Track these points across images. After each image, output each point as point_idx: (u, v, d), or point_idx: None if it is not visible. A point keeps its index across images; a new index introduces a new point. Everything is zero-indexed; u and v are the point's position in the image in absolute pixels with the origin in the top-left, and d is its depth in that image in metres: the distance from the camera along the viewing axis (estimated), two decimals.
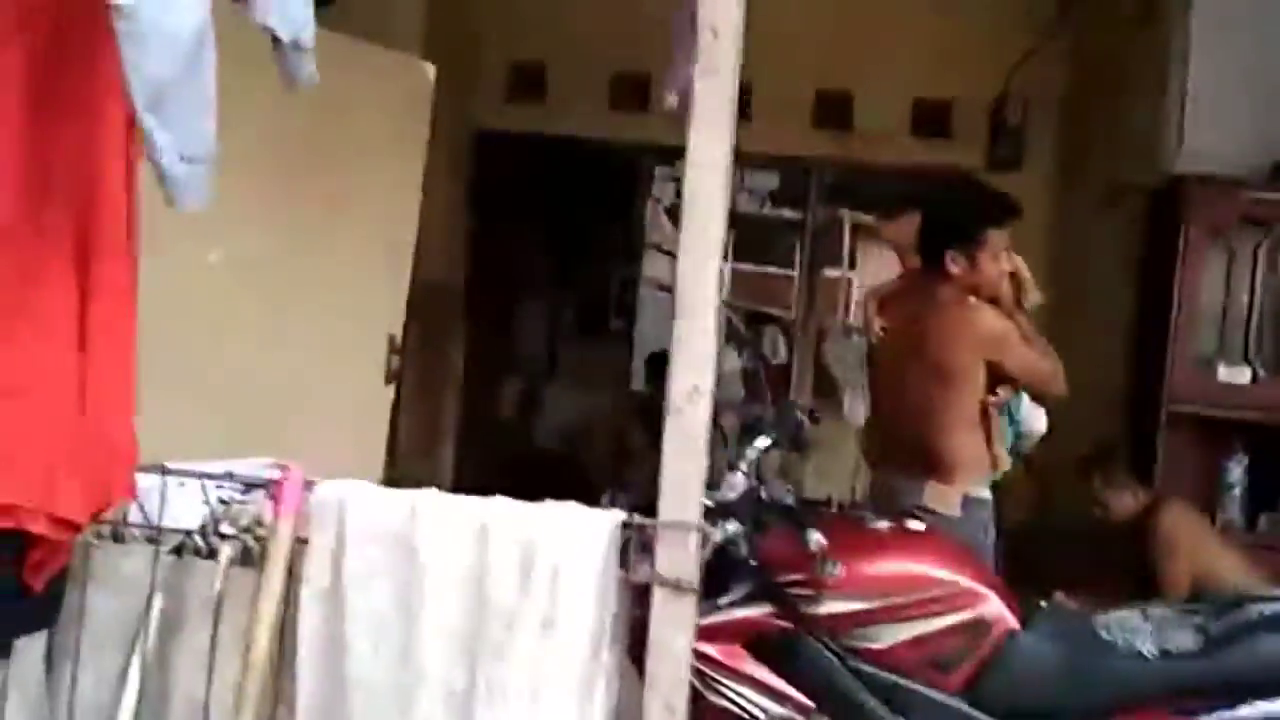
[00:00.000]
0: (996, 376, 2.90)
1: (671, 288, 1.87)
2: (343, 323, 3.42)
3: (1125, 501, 3.44)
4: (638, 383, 6.44)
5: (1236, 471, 3.82)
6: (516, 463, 7.44)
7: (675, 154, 5.65)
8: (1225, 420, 3.82)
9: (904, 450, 2.95)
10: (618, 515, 1.76)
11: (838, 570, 1.96)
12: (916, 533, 2.26)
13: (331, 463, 3.26)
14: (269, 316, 3.27)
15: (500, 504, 1.80)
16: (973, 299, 2.90)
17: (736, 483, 2.20)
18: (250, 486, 1.91)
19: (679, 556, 1.71)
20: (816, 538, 1.94)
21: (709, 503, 1.93)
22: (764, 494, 2.19)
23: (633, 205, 5.95)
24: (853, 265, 10.73)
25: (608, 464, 6.18)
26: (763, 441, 2.29)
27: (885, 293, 3.44)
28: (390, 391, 3.59)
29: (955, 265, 2.92)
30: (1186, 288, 3.86)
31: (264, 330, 3.26)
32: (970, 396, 2.86)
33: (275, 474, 1.92)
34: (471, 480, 6.44)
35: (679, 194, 5.93)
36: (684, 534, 1.72)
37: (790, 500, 1.98)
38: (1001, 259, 2.94)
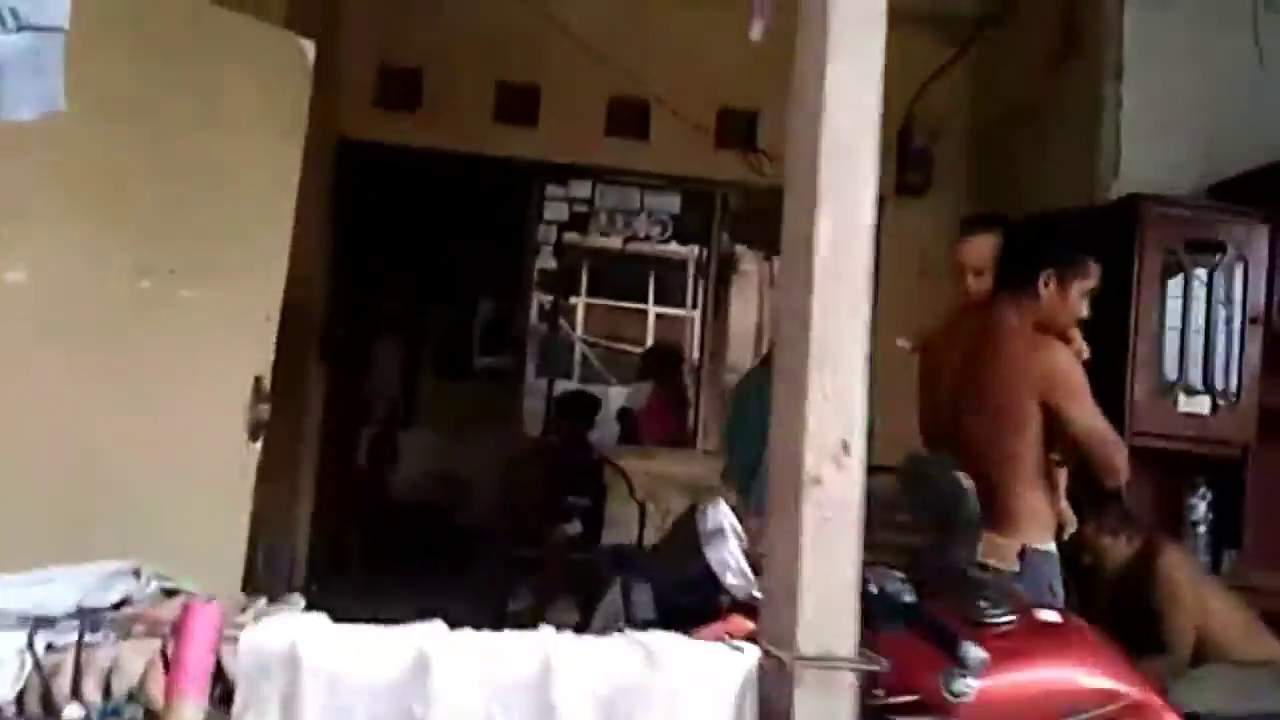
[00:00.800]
0: (1054, 430, 2.47)
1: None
2: (197, 363, 2.65)
3: (1120, 549, 3.11)
4: (533, 427, 5.77)
5: (1200, 508, 3.61)
6: (378, 521, 6.61)
7: (568, 172, 5.11)
8: (1187, 453, 3.61)
9: None
10: (752, 653, 1.17)
11: (969, 688, 1.40)
12: (1053, 626, 1.74)
13: (189, 552, 2.60)
14: (96, 356, 2.49)
15: (559, 638, 1.17)
16: (1041, 336, 2.50)
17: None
18: (102, 623, 1.20)
19: (832, 705, 1.13)
20: (975, 653, 1.36)
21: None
22: (872, 586, 1.62)
23: (517, 229, 5.32)
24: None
25: (493, 518, 5.48)
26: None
27: (930, 332, 2.96)
28: (256, 450, 2.82)
29: (1047, 286, 2.50)
30: (1143, 312, 3.62)
31: (88, 375, 2.47)
32: (1034, 438, 2.43)
33: (138, 591, 1.22)
34: (332, 545, 5.67)
35: (573, 218, 5.46)
36: (836, 676, 1.14)
37: (909, 595, 1.43)
38: (1084, 301, 2.55)
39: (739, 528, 1.65)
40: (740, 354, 6.45)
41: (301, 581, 5.06)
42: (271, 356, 2.85)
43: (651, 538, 4.89)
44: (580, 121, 5.17)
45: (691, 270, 11.81)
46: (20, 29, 1.50)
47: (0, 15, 1.48)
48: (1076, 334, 2.60)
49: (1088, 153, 4.17)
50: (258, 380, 2.82)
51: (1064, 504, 2.64)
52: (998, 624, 1.62)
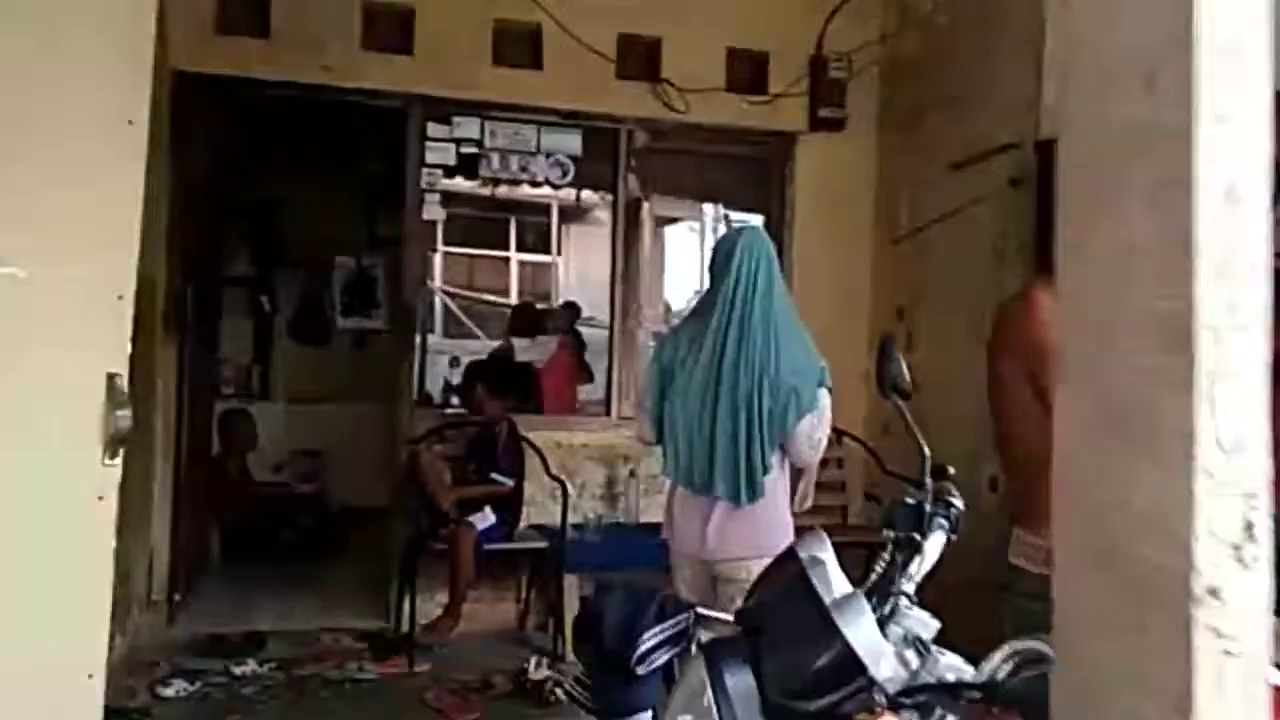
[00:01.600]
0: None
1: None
2: (28, 365, 1.99)
3: None
4: (418, 395, 5.14)
5: None
6: (241, 511, 5.86)
7: (454, 107, 4.46)
8: None
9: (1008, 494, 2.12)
10: None
11: None
12: None
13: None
14: None
15: None
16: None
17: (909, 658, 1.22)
18: None
19: None
20: None
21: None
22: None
23: (394, 174, 4.65)
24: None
25: (389, 501, 4.87)
26: (937, 543, 1.32)
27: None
28: (116, 471, 2.17)
29: None
30: None
31: None
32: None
33: None
34: (195, 544, 4.93)
35: (461, 157, 4.78)
36: None
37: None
38: None
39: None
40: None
41: (163, 593, 4.35)
42: (128, 347, 2.20)
43: (575, 519, 4.43)
44: (462, 48, 4.54)
45: (555, 215, 11.24)
46: None
47: None
48: None
49: (1032, 82, 3.89)
50: (112, 379, 2.16)
51: None
52: None
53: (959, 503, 1.37)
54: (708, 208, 7.86)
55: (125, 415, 2.17)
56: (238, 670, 3.85)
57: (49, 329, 2.03)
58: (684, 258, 9.86)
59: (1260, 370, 0.72)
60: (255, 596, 4.97)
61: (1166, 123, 0.75)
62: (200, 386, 4.97)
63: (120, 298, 2.19)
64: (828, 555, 1.21)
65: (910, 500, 1.33)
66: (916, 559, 1.30)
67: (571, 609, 4.22)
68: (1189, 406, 0.70)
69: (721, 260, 2.58)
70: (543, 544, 4.41)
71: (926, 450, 1.40)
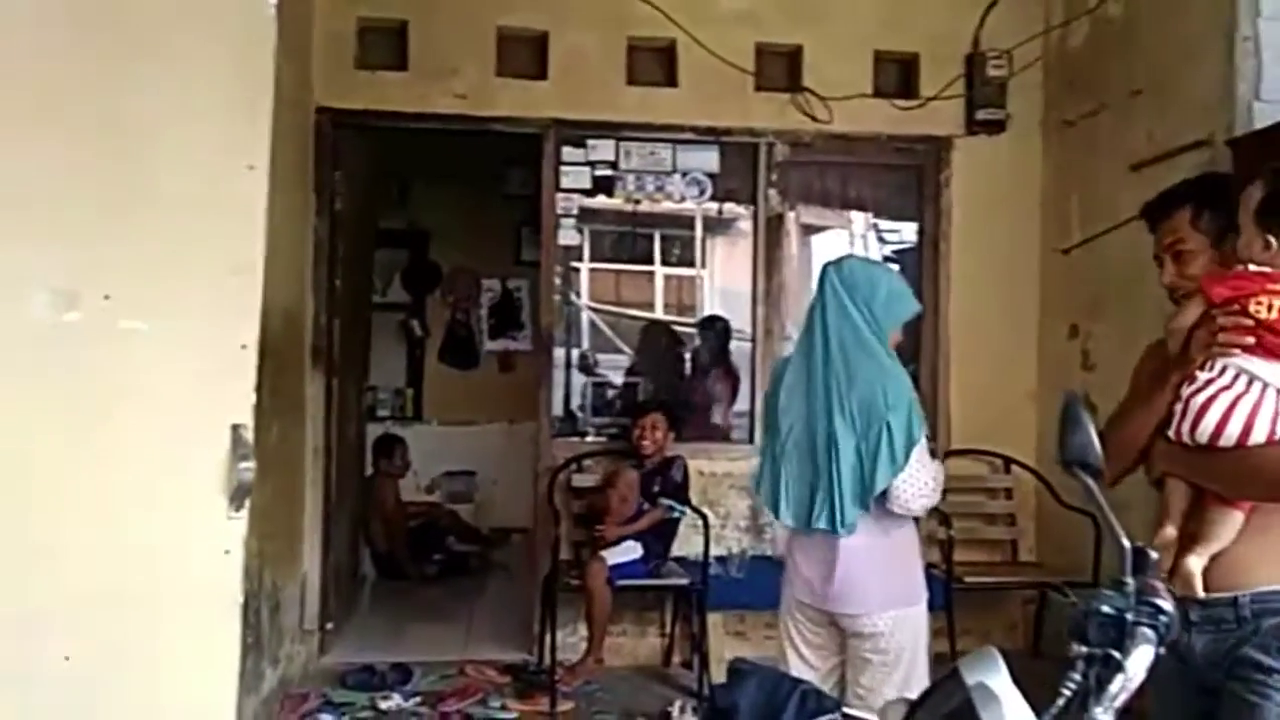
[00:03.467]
0: None
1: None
2: (151, 417, 1.97)
3: None
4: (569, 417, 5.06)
5: None
6: (394, 539, 5.95)
7: (589, 130, 4.35)
8: None
9: None
10: None
11: None
12: None
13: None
14: (9, 420, 1.83)
15: None
16: None
17: None
18: None
19: None
20: None
21: None
22: None
23: (536, 195, 4.60)
24: None
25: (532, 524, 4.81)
26: (1142, 659, 1.06)
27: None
28: (242, 523, 2.14)
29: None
30: None
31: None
32: None
33: None
34: (347, 574, 5.02)
35: (596, 180, 4.69)
36: None
37: None
38: None
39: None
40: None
41: (315, 622, 4.42)
42: (252, 397, 2.16)
43: (719, 550, 4.24)
44: (596, 70, 4.44)
45: (699, 228, 11.09)
46: None
47: None
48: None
49: (1221, 78, 3.45)
50: (236, 430, 2.12)
51: None
52: None
53: (1169, 605, 1.10)
54: (857, 216, 7.53)
55: (249, 467, 2.12)
56: (383, 705, 3.85)
57: (172, 381, 2.01)
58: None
59: None
60: (405, 624, 5.01)
61: None
62: (349, 414, 5.06)
63: (244, 347, 2.15)
64: (1001, 684, 0.98)
65: (1108, 609, 1.07)
66: (1118, 678, 1.05)
67: (716, 652, 4.03)
68: None
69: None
70: (684, 580, 4.23)
71: (1125, 542, 1.13)
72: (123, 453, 1.98)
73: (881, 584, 2.34)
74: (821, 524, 2.33)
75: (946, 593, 3.91)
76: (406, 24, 4.37)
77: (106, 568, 1.96)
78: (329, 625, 4.51)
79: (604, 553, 4.13)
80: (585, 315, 9.98)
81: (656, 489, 4.28)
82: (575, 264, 8.13)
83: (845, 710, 1.41)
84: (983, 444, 4.56)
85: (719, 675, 3.75)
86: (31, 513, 1.88)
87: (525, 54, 4.44)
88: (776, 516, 2.47)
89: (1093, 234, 4.23)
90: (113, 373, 1.95)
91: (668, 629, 4.54)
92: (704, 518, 4.19)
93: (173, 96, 2.00)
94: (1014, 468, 4.55)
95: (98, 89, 1.94)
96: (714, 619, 4.15)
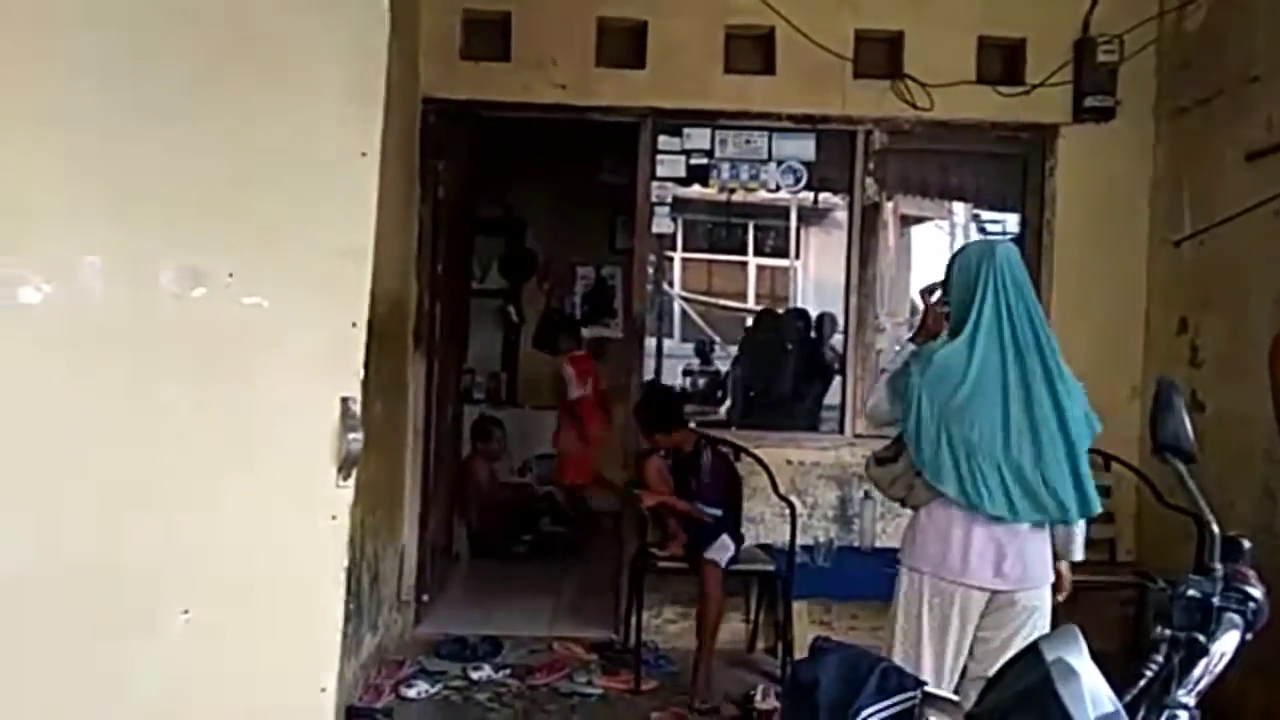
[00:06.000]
0: None
1: None
2: (270, 389, 2.10)
3: None
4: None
5: None
6: (488, 516, 6.13)
7: (685, 119, 4.37)
8: None
9: None
10: None
11: None
12: None
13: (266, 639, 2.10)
14: (142, 392, 1.98)
15: None
16: None
17: None
18: None
19: None
20: None
21: None
22: None
23: (632, 184, 4.65)
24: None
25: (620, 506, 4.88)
26: (1228, 644, 1.06)
27: None
28: (349, 491, 2.26)
29: None
30: None
31: (133, 416, 1.98)
32: None
33: None
34: (442, 548, 5.20)
35: (691, 168, 4.73)
36: None
37: None
38: None
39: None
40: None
41: (411, 593, 4.59)
42: (361, 372, 2.27)
43: (805, 540, 4.24)
44: (693, 58, 4.47)
45: (793, 218, 10.97)
46: None
47: None
48: None
49: None
50: (345, 403, 2.23)
51: None
52: None
53: (1258, 593, 1.09)
54: (957, 206, 7.37)
55: (357, 438, 2.24)
56: (475, 675, 3.98)
57: (288, 355, 2.13)
58: (932, 259, 9.35)
59: None
60: (496, 599, 5.16)
61: None
62: (446, 395, 5.22)
63: (354, 325, 2.26)
64: (1082, 661, 0.99)
65: (1194, 593, 1.07)
66: (1202, 662, 1.05)
67: (801, 637, 4.04)
68: None
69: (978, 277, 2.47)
70: (770, 566, 4.24)
71: (1215, 527, 1.13)
72: (242, 420, 2.11)
73: (1043, 561, 2.49)
74: (1037, 515, 2.42)
75: None
76: (509, 15, 4.47)
77: (223, 529, 2.09)
78: (425, 597, 4.68)
79: (707, 554, 4.06)
80: (677, 304, 10.05)
81: (694, 485, 4.22)
82: (669, 253, 8.20)
83: (927, 690, 1.42)
84: None
85: None
86: (160, 475, 2.01)
87: (624, 44, 4.49)
88: (974, 508, 2.42)
89: (1205, 226, 4.07)
90: (234, 345, 2.08)
91: (752, 615, 4.56)
92: (791, 506, 4.19)
93: (293, 86, 2.12)
94: (1114, 465, 4.42)
95: (222, 80, 2.06)
96: (799, 607, 4.15)
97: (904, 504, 2.59)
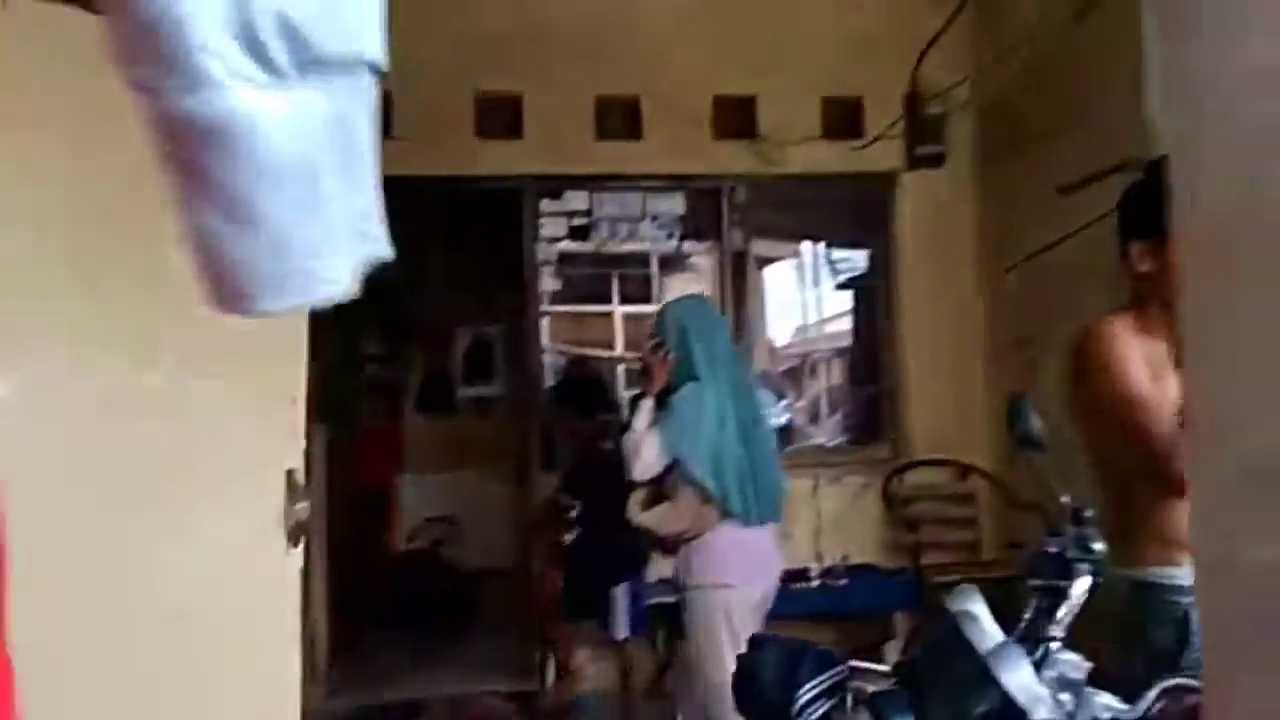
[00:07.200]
0: None
1: None
2: (222, 466, 2.21)
3: None
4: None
5: None
6: (392, 587, 6.11)
7: (565, 182, 4.66)
8: None
9: None
10: None
11: None
12: None
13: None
14: (112, 479, 2.05)
15: None
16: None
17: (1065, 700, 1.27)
18: None
19: None
20: None
21: None
22: None
23: (512, 246, 4.88)
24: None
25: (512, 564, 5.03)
26: (1081, 587, 1.37)
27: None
28: (298, 557, 2.38)
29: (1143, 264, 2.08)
30: None
31: (104, 502, 2.04)
32: None
33: None
34: (350, 621, 5.14)
35: (573, 228, 5.00)
36: None
37: None
38: None
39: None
40: None
41: (323, 664, 4.59)
42: (303, 444, 2.41)
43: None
44: (568, 127, 4.77)
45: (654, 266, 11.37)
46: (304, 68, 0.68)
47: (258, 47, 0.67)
48: None
49: (1138, 103, 3.87)
50: (290, 474, 2.37)
51: None
52: None
53: (1099, 545, 1.42)
54: (806, 246, 7.92)
55: (304, 508, 2.38)
56: None
57: (235, 435, 2.25)
58: (786, 297, 9.91)
59: None
60: (404, 664, 5.19)
61: None
62: (341, 465, 5.27)
63: (294, 400, 2.41)
64: (980, 608, 1.28)
65: (1051, 549, 1.39)
66: (1063, 605, 1.36)
67: None
68: None
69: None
70: (671, 598, 4.45)
71: (1063, 499, 1.46)
72: (200, 503, 2.21)
73: None
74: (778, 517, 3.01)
75: (919, 593, 4.22)
76: (389, 94, 4.66)
77: (187, 603, 2.17)
78: (333, 670, 4.69)
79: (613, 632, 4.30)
80: (547, 359, 10.28)
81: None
82: (540, 313, 8.44)
83: (853, 664, 1.69)
84: (941, 454, 4.91)
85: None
86: (125, 540, 2.07)
87: (502, 115, 4.75)
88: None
89: (1030, 253, 4.62)
90: (187, 429, 2.18)
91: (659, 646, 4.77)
92: None
93: None
94: (970, 475, 4.89)
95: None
96: None
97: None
